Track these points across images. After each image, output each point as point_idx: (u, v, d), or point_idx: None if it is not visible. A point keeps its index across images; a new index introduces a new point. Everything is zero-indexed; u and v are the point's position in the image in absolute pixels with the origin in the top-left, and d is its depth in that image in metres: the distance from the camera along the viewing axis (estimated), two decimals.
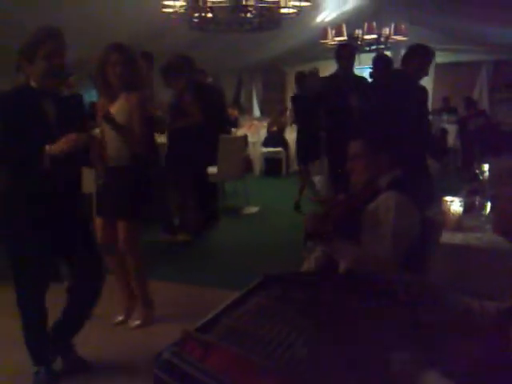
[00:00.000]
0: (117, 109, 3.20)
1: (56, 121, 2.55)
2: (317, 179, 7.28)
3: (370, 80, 5.54)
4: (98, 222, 3.40)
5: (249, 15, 5.16)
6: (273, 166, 9.23)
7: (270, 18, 5.31)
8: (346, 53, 5.14)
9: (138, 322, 3.46)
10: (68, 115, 2.59)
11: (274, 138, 9.34)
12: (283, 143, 9.26)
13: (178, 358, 1.47)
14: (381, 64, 5.25)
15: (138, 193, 3.33)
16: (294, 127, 8.78)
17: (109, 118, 3.09)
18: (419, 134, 4.03)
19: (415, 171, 3.56)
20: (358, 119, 4.46)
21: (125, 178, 3.27)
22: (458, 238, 2.52)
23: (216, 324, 1.68)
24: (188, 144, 4.99)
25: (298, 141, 6.61)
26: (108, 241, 3.37)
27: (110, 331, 3.40)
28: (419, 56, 4.04)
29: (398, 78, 4.15)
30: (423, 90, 4.25)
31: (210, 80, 7.40)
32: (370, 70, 5.34)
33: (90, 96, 5.45)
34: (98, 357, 3.02)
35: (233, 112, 9.43)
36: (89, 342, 3.03)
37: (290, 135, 9.16)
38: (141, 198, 3.38)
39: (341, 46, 5.45)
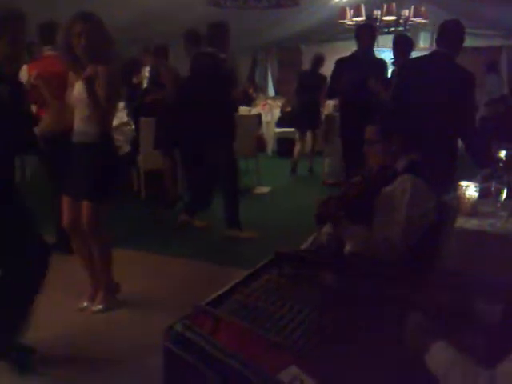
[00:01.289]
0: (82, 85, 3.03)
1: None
2: (327, 161, 7.25)
3: (391, 60, 5.45)
4: (65, 200, 3.22)
5: None
6: (285, 147, 9.17)
7: None
8: (367, 33, 5.06)
9: (100, 307, 3.32)
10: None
11: (288, 118, 9.27)
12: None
13: (189, 331, 1.49)
14: (403, 44, 5.12)
15: (104, 173, 3.15)
16: None
17: (89, 80, 2.92)
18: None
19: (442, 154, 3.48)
20: (377, 102, 4.40)
21: (91, 156, 3.11)
22: (472, 224, 2.50)
23: (227, 299, 1.69)
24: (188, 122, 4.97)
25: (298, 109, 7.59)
26: (72, 221, 3.21)
27: (75, 316, 3.28)
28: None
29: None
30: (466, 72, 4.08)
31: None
32: (393, 51, 5.21)
33: None
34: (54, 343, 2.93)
35: (249, 90, 9.30)
36: (49, 327, 2.98)
37: None
38: (108, 179, 3.19)
39: (362, 26, 5.36)
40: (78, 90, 3.07)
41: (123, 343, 2.95)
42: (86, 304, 3.36)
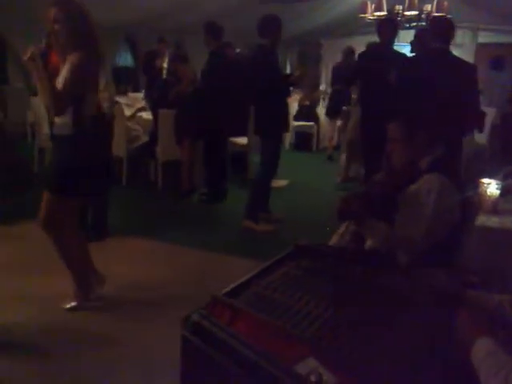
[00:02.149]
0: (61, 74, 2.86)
1: None
2: (344, 157, 7.20)
3: (410, 54, 5.40)
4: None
5: None
6: (303, 141, 9.14)
7: None
8: (389, 27, 5.01)
9: (73, 304, 3.19)
10: None
11: (306, 112, 9.23)
12: (315, 118, 9.15)
13: (207, 321, 1.49)
14: (423, 38, 5.07)
15: (72, 167, 2.91)
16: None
17: (32, 57, 2.70)
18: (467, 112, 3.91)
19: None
20: (396, 97, 4.36)
21: (61, 148, 2.95)
22: (493, 221, 2.47)
23: (244, 291, 1.68)
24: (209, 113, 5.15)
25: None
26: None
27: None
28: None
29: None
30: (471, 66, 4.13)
31: (237, 51, 7.34)
32: (412, 44, 5.15)
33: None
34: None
35: None
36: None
37: (322, 110, 9.03)
38: (77, 174, 2.93)
39: (383, 21, 5.31)
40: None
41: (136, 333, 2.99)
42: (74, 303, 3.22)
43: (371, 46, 5.15)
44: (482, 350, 1.24)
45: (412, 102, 3.72)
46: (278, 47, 4.77)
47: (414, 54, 5.13)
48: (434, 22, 4.10)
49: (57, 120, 2.92)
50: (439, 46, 3.94)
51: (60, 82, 2.79)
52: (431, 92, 3.75)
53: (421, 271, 1.80)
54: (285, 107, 4.75)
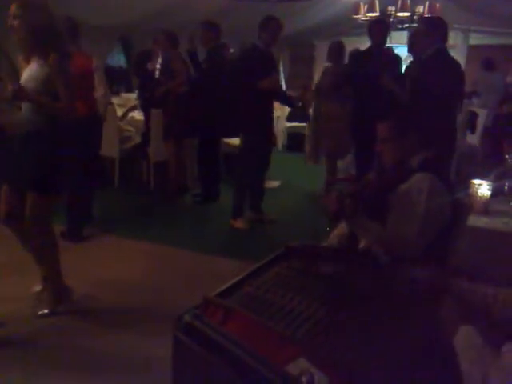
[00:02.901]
0: (28, 74, 2.89)
1: None
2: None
3: (406, 55, 5.43)
4: (4, 190, 3.03)
5: None
6: (296, 142, 9.15)
7: None
8: (380, 29, 5.02)
9: (45, 311, 3.11)
10: None
11: (299, 113, 9.24)
12: (307, 119, 9.17)
13: (199, 321, 1.49)
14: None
15: (48, 164, 2.92)
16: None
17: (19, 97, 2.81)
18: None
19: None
20: (391, 97, 4.40)
21: (35, 145, 2.90)
22: (483, 222, 2.49)
23: (237, 291, 1.69)
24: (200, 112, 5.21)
25: None
26: (10, 212, 3.00)
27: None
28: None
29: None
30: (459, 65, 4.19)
31: (232, 51, 7.34)
32: (408, 46, 5.16)
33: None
34: None
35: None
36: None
37: None
38: (52, 170, 2.95)
39: (374, 22, 5.32)
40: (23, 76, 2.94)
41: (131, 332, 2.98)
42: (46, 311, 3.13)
43: (367, 48, 5.14)
44: (465, 339, 1.26)
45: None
46: (272, 48, 4.78)
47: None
48: (428, 21, 4.14)
49: (29, 116, 2.90)
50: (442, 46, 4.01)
51: (28, 82, 2.83)
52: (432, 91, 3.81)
53: (406, 267, 1.80)
54: (263, 106, 4.74)
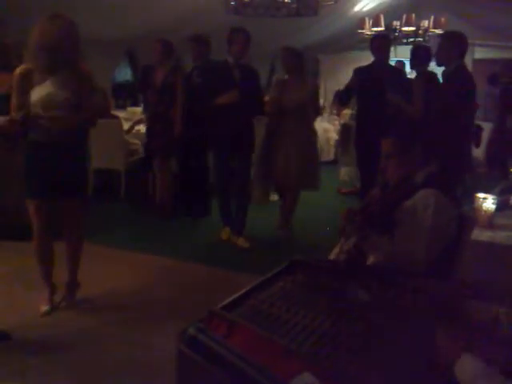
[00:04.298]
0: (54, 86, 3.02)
1: None
2: (343, 171, 7.25)
3: (409, 71, 5.44)
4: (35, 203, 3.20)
5: (287, 0, 5.11)
6: None
7: (308, 4, 5.24)
8: (380, 44, 5.05)
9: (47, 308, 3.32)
10: None
11: None
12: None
13: (203, 334, 1.49)
14: (422, 54, 5.09)
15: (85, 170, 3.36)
16: (325, 117, 8.76)
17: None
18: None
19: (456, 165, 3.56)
20: (396, 113, 4.42)
21: (74, 153, 3.19)
22: (486, 236, 2.48)
23: (241, 304, 1.69)
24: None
25: None
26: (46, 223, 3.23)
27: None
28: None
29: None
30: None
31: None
32: (410, 61, 5.18)
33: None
34: None
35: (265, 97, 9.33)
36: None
37: (320, 124, 9.07)
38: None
39: (375, 37, 5.36)
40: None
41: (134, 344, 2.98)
42: (47, 307, 3.32)
43: (371, 63, 5.16)
44: (470, 369, 1.26)
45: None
46: (243, 60, 4.61)
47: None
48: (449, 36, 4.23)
49: (53, 126, 3.01)
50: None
51: (58, 94, 2.97)
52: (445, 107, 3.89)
53: (420, 283, 1.80)
54: (222, 121, 4.57)
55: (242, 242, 4.76)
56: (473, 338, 1.41)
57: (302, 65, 4.75)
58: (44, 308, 3.29)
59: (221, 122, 4.59)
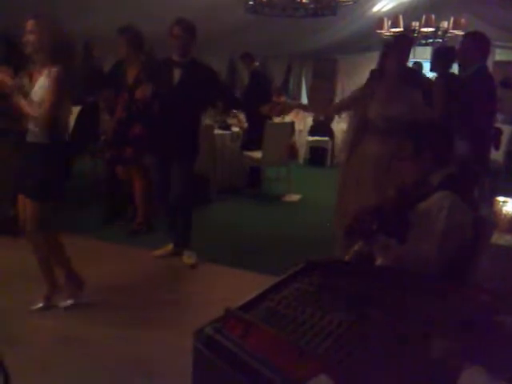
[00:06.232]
0: (38, 85, 3.09)
1: None
2: None
3: (430, 73, 5.38)
4: (20, 197, 3.27)
5: (305, 0, 5.11)
6: (317, 156, 9.16)
7: (327, 5, 5.25)
8: (403, 44, 5.00)
9: (69, 302, 3.39)
10: None
11: (321, 127, 9.25)
12: (329, 133, 9.17)
13: (220, 334, 1.50)
14: (446, 55, 5.00)
15: (51, 174, 3.16)
16: (343, 118, 8.72)
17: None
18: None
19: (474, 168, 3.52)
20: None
21: (40, 156, 3.14)
22: (505, 240, 2.46)
23: (257, 305, 1.69)
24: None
25: None
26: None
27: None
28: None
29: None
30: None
31: (256, 64, 7.36)
32: (431, 62, 5.10)
33: None
34: None
35: (278, 99, 9.31)
36: None
37: (337, 125, 9.05)
38: (55, 181, 3.19)
39: (398, 37, 5.31)
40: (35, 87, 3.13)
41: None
42: (41, 304, 3.35)
43: None
44: (478, 382, 1.24)
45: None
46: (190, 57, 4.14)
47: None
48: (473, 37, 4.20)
49: (32, 127, 3.12)
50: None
51: (36, 92, 3.06)
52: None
53: (452, 291, 1.77)
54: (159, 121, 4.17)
55: (186, 258, 4.29)
56: (482, 349, 1.39)
57: None
58: (38, 305, 3.33)
59: (155, 126, 4.22)
